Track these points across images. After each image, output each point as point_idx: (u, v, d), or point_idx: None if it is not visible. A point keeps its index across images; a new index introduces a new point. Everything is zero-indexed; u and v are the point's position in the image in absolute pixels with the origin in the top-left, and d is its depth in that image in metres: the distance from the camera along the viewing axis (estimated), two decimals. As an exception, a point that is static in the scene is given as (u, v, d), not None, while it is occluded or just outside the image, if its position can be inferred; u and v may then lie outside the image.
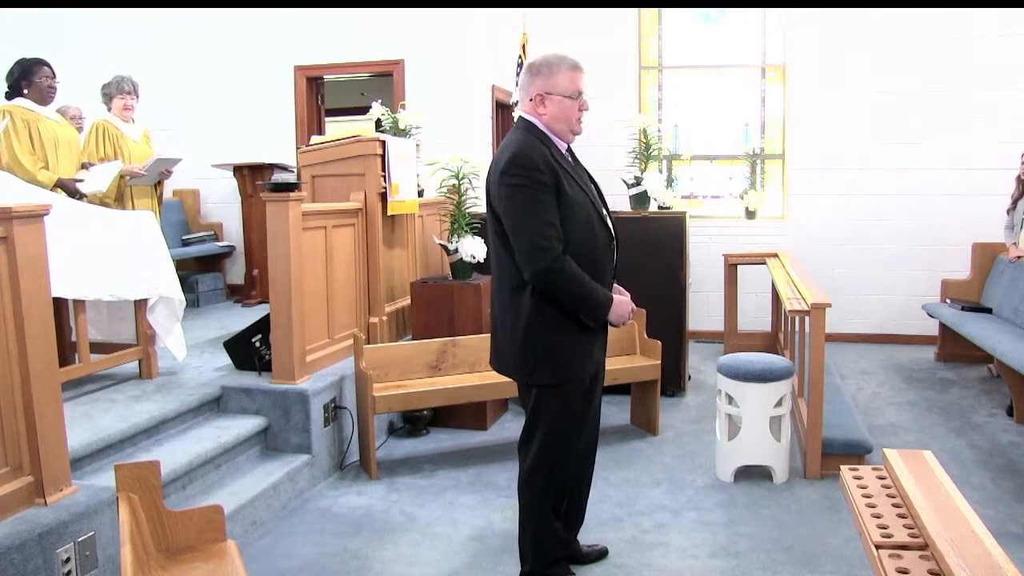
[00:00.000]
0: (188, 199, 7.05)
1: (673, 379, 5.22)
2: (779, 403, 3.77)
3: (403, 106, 5.22)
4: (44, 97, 4.27)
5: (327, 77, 6.93)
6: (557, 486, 2.75)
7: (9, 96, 4.28)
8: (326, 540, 3.29)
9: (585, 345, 2.64)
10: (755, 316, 6.78)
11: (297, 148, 6.07)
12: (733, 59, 7.25)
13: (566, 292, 2.53)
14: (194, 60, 6.83)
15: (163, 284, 3.87)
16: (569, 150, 2.70)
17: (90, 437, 3.09)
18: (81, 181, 4.37)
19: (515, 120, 2.70)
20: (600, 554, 3.08)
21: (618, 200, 5.85)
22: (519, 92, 2.66)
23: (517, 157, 2.51)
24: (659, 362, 4.48)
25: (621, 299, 2.65)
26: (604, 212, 2.69)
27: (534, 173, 2.48)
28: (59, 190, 4.19)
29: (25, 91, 4.24)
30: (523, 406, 2.77)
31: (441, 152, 4.89)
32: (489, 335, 2.89)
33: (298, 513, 3.56)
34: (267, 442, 3.84)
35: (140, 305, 3.86)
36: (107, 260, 3.60)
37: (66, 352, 3.60)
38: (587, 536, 3.25)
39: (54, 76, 4.29)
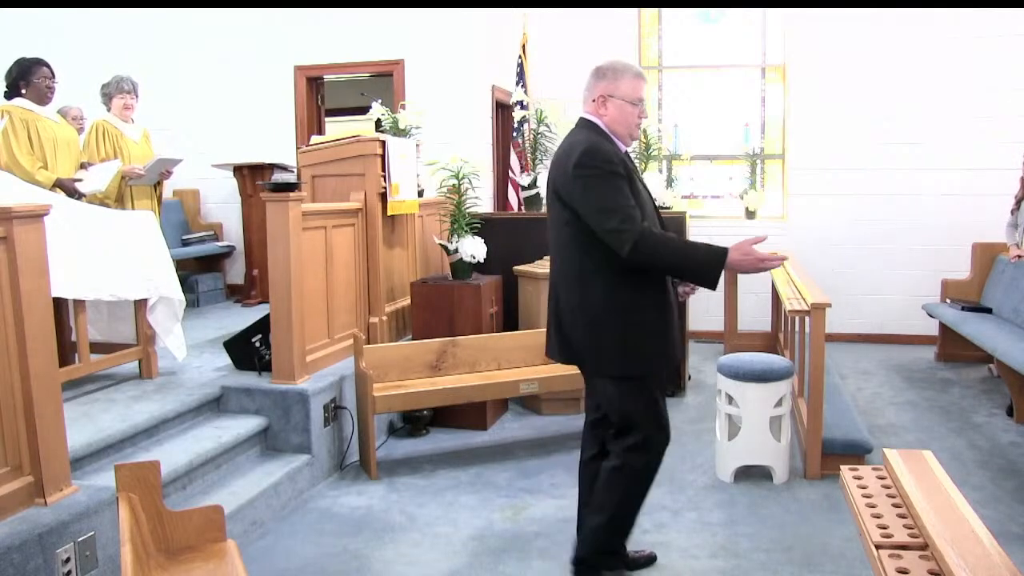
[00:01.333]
0: (188, 199, 7.05)
1: (673, 379, 5.22)
2: (779, 403, 3.77)
3: (403, 106, 5.22)
4: (42, 97, 4.27)
5: (327, 77, 6.93)
6: (647, 481, 2.73)
7: (8, 96, 4.28)
8: (326, 540, 3.29)
9: (657, 339, 2.63)
10: (755, 316, 6.78)
11: (297, 148, 6.07)
12: (733, 59, 7.25)
13: (665, 260, 2.54)
14: (194, 60, 6.83)
15: (163, 284, 3.87)
16: (626, 154, 2.74)
17: (90, 437, 3.09)
18: (80, 181, 4.37)
19: (576, 121, 2.75)
20: (648, 559, 3.04)
21: (618, 200, 5.85)
22: (584, 93, 2.72)
23: (592, 149, 2.56)
24: (659, 362, 4.47)
25: (738, 243, 2.58)
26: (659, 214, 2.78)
27: (608, 165, 2.55)
28: (58, 190, 4.18)
29: (23, 91, 4.23)
30: (595, 398, 2.80)
31: (441, 152, 4.89)
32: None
33: (298, 513, 3.56)
34: (267, 442, 3.84)
35: (140, 305, 3.86)
36: (107, 260, 3.60)
37: (66, 352, 3.60)
38: (587, 536, 3.26)
39: (52, 76, 4.29)
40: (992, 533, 1.80)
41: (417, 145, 5.08)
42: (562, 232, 2.66)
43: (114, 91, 4.94)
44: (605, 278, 2.57)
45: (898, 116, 6.71)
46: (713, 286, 2.56)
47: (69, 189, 4.26)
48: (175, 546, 2.18)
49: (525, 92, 6.12)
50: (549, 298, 2.79)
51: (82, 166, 4.55)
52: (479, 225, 4.89)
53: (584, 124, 2.71)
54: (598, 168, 2.53)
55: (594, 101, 2.68)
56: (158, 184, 5.07)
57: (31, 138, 4.21)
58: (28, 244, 2.53)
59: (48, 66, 4.27)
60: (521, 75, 6.24)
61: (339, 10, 6.50)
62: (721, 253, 2.54)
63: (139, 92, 5.04)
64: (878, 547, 1.91)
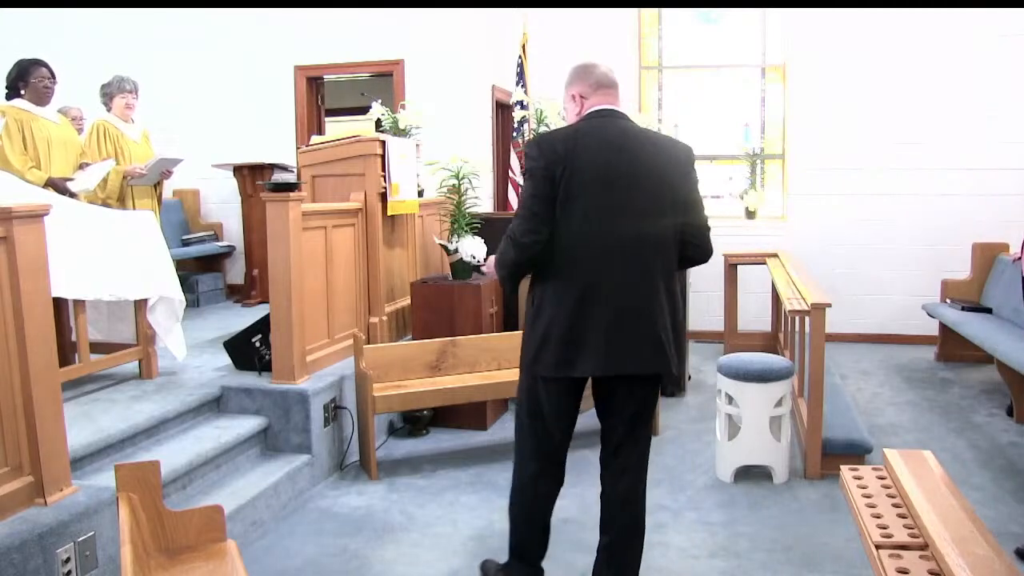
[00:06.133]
0: (188, 199, 7.06)
1: (673, 379, 5.21)
2: (779, 403, 3.77)
3: (403, 106, 5.22)
4: (40, 98, 4.26)
5: (327, 77, 6.93)
6: None
7: (8, 97, 4.27)
8: (326, 540, 3.29)
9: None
10: (755, 316, 6.78)
11: (297, 148, 6.07)
12: (733, 59, 7.25)
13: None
14: (194, 60, 6.83)
15: (163, 284, 3.87)
16: None
17: (90, 437, 3.09)
18: (72, 180, 4.36)
19: (602, 109, 2.56)
20: None
21: (618, 200, 5.85)
22: (616, 88, 2.59)
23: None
24: (659, 362, 4.47)
25: None
26: None
27: None
28: (50, 188, 4.17)
29: (22, 92, 4.23)
30: (637, 406, 2.57)
31: (441, 152, 4.89)
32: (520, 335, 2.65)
33: (298, 513, 3.56)
34: (267, 442, 3.84)
35: (140, 305, 3.86)
36: (107, 260, 3.60)
37: (66, 352, 3.60)
38: (586, 535, 3.25)
39: (52, 78, 4.28)
40: (992, 533, 1.80)
41: (417, 145, 5.08)
42: (667, 230, 2.48)
43: (115, 91, 4.94)
44: (678, 277, 2.58)
45: (898, 116, 6.71)
46: None
47: (61, 188, 4.24)
48: (175, 546, 2.18)
49: (525, 92, 6.12)
50: (606, 291, 2.44)
51: (81, 166, 4.54)
52: (479, 225, 4.89)
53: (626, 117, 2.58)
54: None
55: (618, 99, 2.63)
56: (158, 184, 5.07)
57: (25, 138, 4.21)
58: (28, 244, 2.53)
59: (47, 67, 4.26)
60: (521, 75, 6.24)
61: (339, 10, 6.50)
62: None
63: (139, 92, 5.04)
64: (878, 547, 1.91)
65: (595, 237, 2.42)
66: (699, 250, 2.57)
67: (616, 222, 2.43)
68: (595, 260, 2.43)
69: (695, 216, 2.53)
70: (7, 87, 4.27)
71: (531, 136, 5.67)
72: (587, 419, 4.83)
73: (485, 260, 2.86)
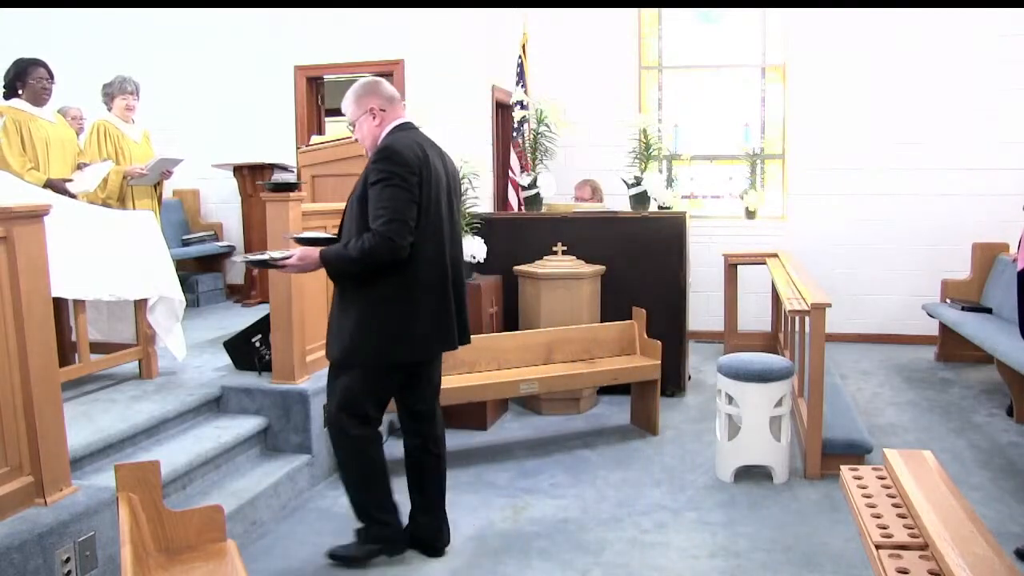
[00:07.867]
0: (188, 199, 7.06)
1: (673, 379, 5.22)
2: (779, 403, 3.77)
3: (403, 106, 5.21)
4: (38, 98, 4.25)
5: (327, 77, 6.93)
6: None
7: (6, 96, 4.26)
8: (326, 540, 3.28)
9: None
10: (755, 316, 6.78)
11: (297, 148, 6.07)
12: (733, 59, 7.25)
13: None
14: (194, 60, 6.83)
15: (163, 284, 3.87)
16: None
17: (90, 437, 3.09)
18: (71, 181, 4.35)
19: (408, 122, 2.98)
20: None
21: (618, 200, 5.87)
22: (403, 100, 3.00)
23: None
24: (659, 362, 4.48)
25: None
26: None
27: None
28: (49, 190, 4.17)
29: (20, 92, 4.23)
30: (428, 387, 3.11)
31: (441, 152, 4.88)
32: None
33: (298, 513, 3.56)
34: (267, 442, 3.84)
35: (140, 305, 3.86)
36: (107, 260, 3.60)
37: (66, 352, 3.60)
38: (586, 535, 3.26)
39: (50, 78, 4.26)
40: (992, 533, 1.80)
41: (417, 145, 5.07)
42: (459, 223, 3.07)
43: (117, 91, 4.93)
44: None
45: (898, 116, 6.71)
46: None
47: (60, 189, 4.23)
48: (175, 546, 2.18)
49: (525, 92, 6.12)
50: (448, 283, 2.90)
51: (79, 167, 4.53)
52: (479, 225, 4.89)
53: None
54: None
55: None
56: (158, 184, 5.07)
57: (23, 139, 4.20)
58: (28, 244, 2.53)
59: (45, 67, 4.25)
60: (521, 75, 6.24)
61: (339, 10, 6.49)
62: None
63: (140, 92, 5.04)
64: (878, 547, 1.91)
65: (441, 237, 2.87)
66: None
67: (448, 221, 2.91)
68: (442, 256, 2.87)
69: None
70: (5, 87, 4.26)
71: (531, 136, 5.66)
72: (584, 419, 4.84)
73: (281, 259, 2.94)
